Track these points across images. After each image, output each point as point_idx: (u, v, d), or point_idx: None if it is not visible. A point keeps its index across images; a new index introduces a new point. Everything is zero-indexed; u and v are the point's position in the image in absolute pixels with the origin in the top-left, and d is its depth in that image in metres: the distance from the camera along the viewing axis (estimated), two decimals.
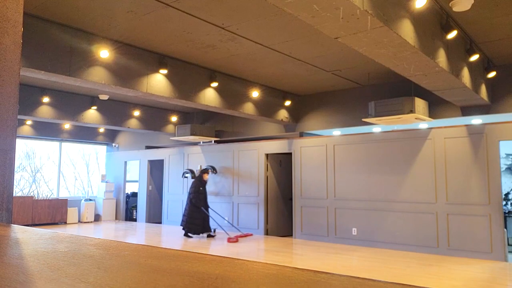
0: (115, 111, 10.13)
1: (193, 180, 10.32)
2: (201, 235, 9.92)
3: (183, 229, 9.64)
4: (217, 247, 8.54)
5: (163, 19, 5.13)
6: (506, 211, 8.05)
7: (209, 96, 7.39)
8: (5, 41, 1.63)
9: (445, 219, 7.46)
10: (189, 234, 9.71)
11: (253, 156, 10.43)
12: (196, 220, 9.48)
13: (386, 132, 8.35)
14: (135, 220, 13.43)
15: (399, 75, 6.74)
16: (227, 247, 8.45)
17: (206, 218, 9.62)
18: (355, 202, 8.60)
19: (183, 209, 9.98)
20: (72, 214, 12.56)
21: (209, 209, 10.00)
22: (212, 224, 10.12)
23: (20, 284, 0.73)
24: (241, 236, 9.53)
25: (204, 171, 9.99)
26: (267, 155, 10.25)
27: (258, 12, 4.88)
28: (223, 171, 10.97)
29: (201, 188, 9.70)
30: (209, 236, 9.64)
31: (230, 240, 8.97)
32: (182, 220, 9.63)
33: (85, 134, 13.25)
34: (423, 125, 8.04)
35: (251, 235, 9.88)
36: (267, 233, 10.03)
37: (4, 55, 1.62)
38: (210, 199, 10.68)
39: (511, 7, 4.77)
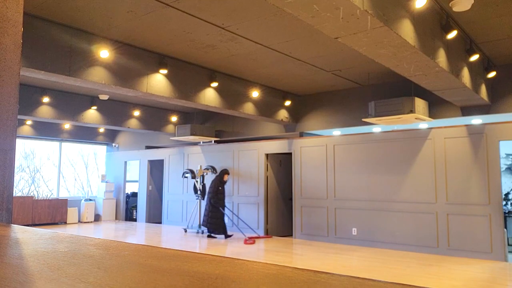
0: (115, 111, 10.13)
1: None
2: (200, 234, 9.92)
3: (207, 229, 9.61)
4: (217, 247, 8.54)
5: (163, 19, 5.13)
6: (506, 211, 8.05)
7: (209, 96, 7.39)
8: (5, 41, 1.63)
9: (445, 219, 7.46)
10: (213, 235, 9.67)
11: (253, 156, 10.43)
12: (218, 220, 9.49)
13: (386, 132, 8.35)
14: (135, 220, 13.43)
15: (399, 75, 6.74)
16: (227, 247, 8.45)
17: (223, 217, 9.65)
18: (355, 202, 8.60)
19: (204, 209, 9.98)
20: (72, 214, 12.56)
21: (226, 209, 9.99)
22: (228, 225, 10.16)
23: (20, 284, 0.73)
24: (258, 238, 9.51)
25: (225, 171, 9.96)
26: (267, 155, 10.25)
27: (258, 12, 4.88)
28: None
29: (220, 188, 9.70)
30: (210, 236, 9.63)
31: (246, 242, 8.88)
32: (203, 220, 9.61)
33: (85, 134, 13.25)
34: (423, 125, 8.04)
35: (271, 237, 9.76)
36: (267, 233, 10.02)
37: (4, 55, 1.62)
38: None
39: (511, 7, 4.77)
